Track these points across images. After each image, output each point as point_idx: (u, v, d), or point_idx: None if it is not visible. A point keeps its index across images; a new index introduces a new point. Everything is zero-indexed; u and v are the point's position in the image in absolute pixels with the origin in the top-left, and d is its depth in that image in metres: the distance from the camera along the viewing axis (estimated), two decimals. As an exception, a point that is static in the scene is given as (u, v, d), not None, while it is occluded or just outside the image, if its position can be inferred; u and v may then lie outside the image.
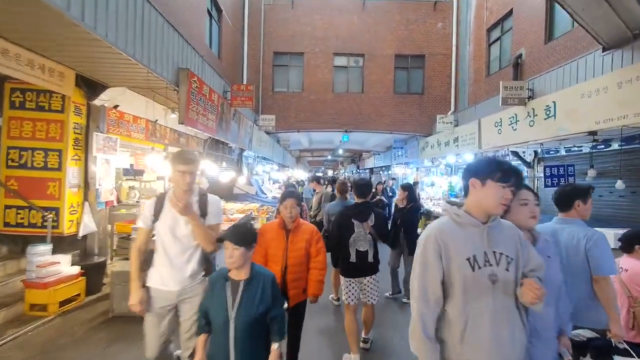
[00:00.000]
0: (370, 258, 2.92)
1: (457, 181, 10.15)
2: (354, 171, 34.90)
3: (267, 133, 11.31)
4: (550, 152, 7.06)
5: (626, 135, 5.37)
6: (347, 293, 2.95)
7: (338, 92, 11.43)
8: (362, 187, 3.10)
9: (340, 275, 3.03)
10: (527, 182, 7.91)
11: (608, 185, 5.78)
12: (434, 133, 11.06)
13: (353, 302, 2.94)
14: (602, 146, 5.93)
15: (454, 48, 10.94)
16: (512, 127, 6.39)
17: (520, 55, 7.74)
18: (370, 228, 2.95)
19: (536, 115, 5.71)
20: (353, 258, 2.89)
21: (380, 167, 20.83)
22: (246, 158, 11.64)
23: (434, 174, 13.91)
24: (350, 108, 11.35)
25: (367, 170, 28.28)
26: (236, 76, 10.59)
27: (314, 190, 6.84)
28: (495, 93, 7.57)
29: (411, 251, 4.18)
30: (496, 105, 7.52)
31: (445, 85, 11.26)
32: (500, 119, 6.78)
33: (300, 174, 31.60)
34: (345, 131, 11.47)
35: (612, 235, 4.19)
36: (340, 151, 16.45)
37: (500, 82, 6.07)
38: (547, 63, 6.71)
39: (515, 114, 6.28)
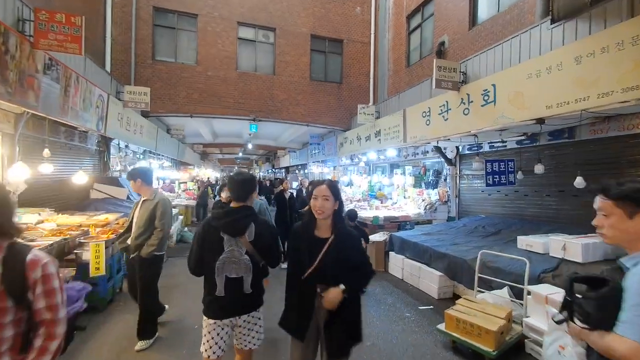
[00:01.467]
0: (247, 288, 2.00)
1: (378, 180, 9.30)
2: (269, 170, 32.88)
3: (146, 116, 8.35)
4: (473, 148, 6.54)
5: (554, 129, 4.95)
6: (208, 341, 1.99)
7: (244, 71, 9.30)
8: (239, 184, 2.07)
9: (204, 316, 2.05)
10: (447, 180, 7.35)
11: (532, 184, 5.42)
12: (353, 127, 10.02)
13: (217, 356, 1.99)
14: (528, 141, 5.52)
15: (372, 36, 10.10)
16: (443, 116, 5.50)
17: (443, 43, 7.13)
18: (249, 245, 2.00)
19: (472, 101, 4.86)
20: (220, 290, 1.96)
21: (297, 165, 19.39)
22: (124, 151, 8.41)
23: (352, 173, 13.08)
24: (259, 92, 9.36)
25: (283, 170, 26.68)
26: (91, 32, 7.36)
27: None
28: (416, 83, 6.76)
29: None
30: (418, 95, 6.70)
31: (364, 76, 10.35)
32: (429, 107, 5.87)
33: (210, 174, 27.87)
34: (254, 120, 9.41)
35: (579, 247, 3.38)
36: (250, 146, 14.24)
37: (434, 61, 5.07)
38: (472, 50, 6.10)
39: (447, 102, 5.40)
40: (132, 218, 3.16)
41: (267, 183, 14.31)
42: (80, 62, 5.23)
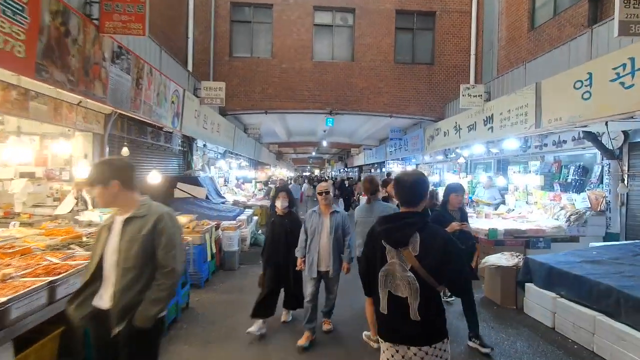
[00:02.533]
0: (413, 314, 1.50)
1: (484, 180, 7.33)
2: (342, 170, 32.15)
3: (223, 114, 8.20)
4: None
5: None
6: None
7: (320, 60, 8.44)
8: (408, 186, 1.61)
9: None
10: (604, 180, 5.14)
11: None
12: (448, 115, 8.25)
13: None
14: None
15: (474, 1, 8.12)
16: (623, 83, 3.56)
17: (598, -16, 4.96)
18: (415, 261, 1.48)
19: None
20: (383, 306, 1.58)
21: (372, 164, 18.01)
22: (202, 150, 8.50)
23: (442, 171, 11.14)
24: (336, 82, 8.39)
25: (356, 169, 25.56)
26: (175, 34, 7.44)
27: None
28: (544, 50, 4.81)
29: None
30: (560, 62, 4.74)
31: (462, 52, 8.45)
32: (590, 73, 3.96)
33: (285, 173, 28.61)
34: (330, 113, 8.50)
35: None
36: (325, 143, 13.50)
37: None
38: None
39: (633, 59, 3.45)
40: (100, 256, 1.63)
41: (347, 184, 13.46)
42: (155, 55, 4.99)
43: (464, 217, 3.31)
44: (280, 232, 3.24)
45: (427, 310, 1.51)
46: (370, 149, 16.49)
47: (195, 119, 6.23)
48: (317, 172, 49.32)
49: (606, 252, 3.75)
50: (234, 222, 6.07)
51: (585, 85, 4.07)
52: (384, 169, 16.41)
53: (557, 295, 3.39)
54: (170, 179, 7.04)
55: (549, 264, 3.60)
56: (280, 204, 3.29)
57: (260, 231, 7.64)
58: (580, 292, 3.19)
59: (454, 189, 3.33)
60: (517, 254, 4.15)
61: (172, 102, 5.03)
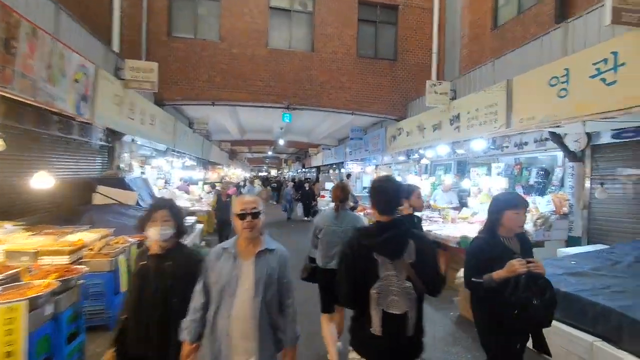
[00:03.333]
0: (409, 329, 1.45)
1: (445, 183, 7.09)
2: (299, 170, 31.38)
3: (160, 104, 6.91)
4: (626, 135, 4.25)
5: None
6: None
7: (276, 48, 7.56)
8: (389, 193, 1.57)
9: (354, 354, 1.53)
10: (565, 182, 5.06)
11: None
12: (411, 115, 7.95)
13: None
14: None
15: (436, -3, 7.92)
16: (604, 79, 3.31)
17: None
18: (410, 270, 1.46)
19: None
20: (377, 327, 1.44)
21: (330, 165, 17.52)
22: (132, 147, 7.02)
23: (403, 172, 10.94)
24: (293, 73, 7.59)
25: (314, 169, 24.98)
26: (96, 3, 5.99)
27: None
28: (507, 49, 4.61)
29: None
30: (533, 58, 4.52)
31: (424, 50, 8.21)
32: (567, 69, 3.70)
33: (239, 174, 26.89)
34: (287, 107, 7.66)
35: None
36: (282, 142, 12.58)
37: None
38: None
39: (616, 53, 3.20)
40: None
41: (307, 186, 12.49)
42: (49, 14, 3.70)
43: (526, 248, 2.04)
44: (152, 291, 1.66)
45: (419, 322, 1.48)
46: (329, 149, 15.97)
47: (117, 107, 4.96)
48: (273, 172, 47.95)
49: (585, 262, 3.48)
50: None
51: (562, 82, 3.80)
52: (342, 170, 16.00)
53: (546, 316, 3.00)
54: (86, 182, 5.63)
55: (533, 278, 3.21)
56: (154, 234, 1.69)
57: (204, 243, 6.51)
58: (573, 312, 2.81)
59: (512, 203, 1.93)
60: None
61: (76, 80, 3.78)
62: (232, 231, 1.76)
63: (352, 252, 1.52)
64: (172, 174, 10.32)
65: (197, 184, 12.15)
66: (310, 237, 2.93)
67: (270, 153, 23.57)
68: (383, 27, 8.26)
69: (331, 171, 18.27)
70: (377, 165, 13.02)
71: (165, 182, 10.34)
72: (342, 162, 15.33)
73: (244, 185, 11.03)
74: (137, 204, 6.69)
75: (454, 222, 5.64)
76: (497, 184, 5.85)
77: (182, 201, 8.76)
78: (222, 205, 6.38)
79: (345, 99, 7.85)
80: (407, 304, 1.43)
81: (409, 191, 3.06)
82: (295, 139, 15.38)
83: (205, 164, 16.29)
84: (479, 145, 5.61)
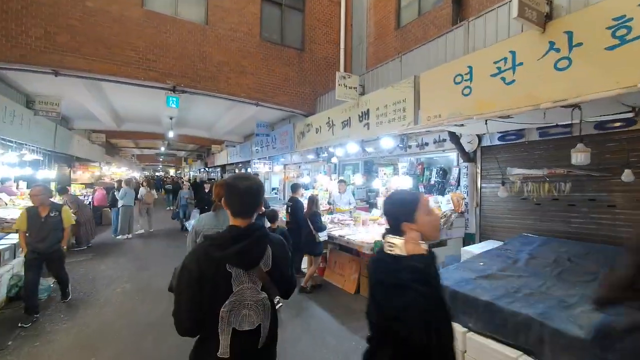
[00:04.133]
0: (262, 338, 1.38)
1: (360, 181, 6.85)
2: (202, 169, 28.19)
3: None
4: (510, 138, 4.57)
5: None
6: None
7: (156, 11, 5.94)
8: (244, 194, 1.41)
9: None
10: (461, 182, 5.30)
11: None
12: (320, 110, 7.47)
13: None
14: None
15: (344, -8, 7.66)
16: (504, 78, 3.30)
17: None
18: (266, 277, 1.39)
19: (579, 44, 2.73)
20: (224, 350, 1.30)
21: (236, 163, 15.96)
22: None
23: (312, 172, 10.51)
24: (181, 47, 6.11)
25: (219, 169, 22.68)
26: None
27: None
28: (428, 39, 4.57)
29: None
30: (437, 55, 4.49)
31: (331, 44, 7.85)
32: (470, 67, 3.64)
33: (126, 173, 22.14)
34: (173, 89, 6.12)
35: None
36: (171, 135, 10.49)
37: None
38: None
39: (514, 52, 3.20)
40: None
41: (207, 187, 10.28)
42: None
43: None
44: None
45: (272, 329, 1.41)
46: (234, 146, 14.47)
47: None
48: (172, 172, 42.33)
49: (490, 262, 3.43)
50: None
51: (466, 80, 3.73)
52: (249, 169, 14.72)
53: (466, 329, 2.70)
54: None
55: (449, 286, 2.92)
56: None
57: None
58: (493, 323, 2.55)
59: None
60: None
61: None
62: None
63: (198, 268, 1.28)
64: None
65: (45, 186, 8.99)
66: (187, 244, 2.50)
67: (163, 149, 20.25)
68: (289, 12, 7.54)
69: (237, 170, 16.72)
70: (285, 165, 12.35)
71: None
72: (249, 161, 14.08)
73: (118, 188, 8.65)
74: None
75: (365, 225, 5.31)
76: (403, 183, 5.81)
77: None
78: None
79: (248, 87, 6.79)
80: (260, 316, 1.36)
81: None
82: (193, 134, 13.32)
83: (68, 160, 12.55)
84: (387, 143, 5.42)
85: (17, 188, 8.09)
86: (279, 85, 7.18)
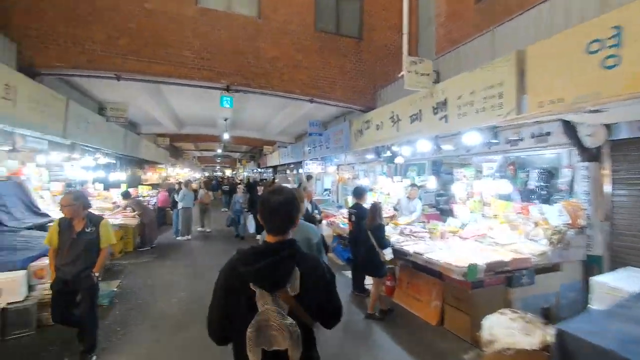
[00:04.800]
0: None
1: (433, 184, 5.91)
2: (254, 170, 29.08)
3: (32, 74, 4.72)
4: None
5: None
6: None
7: (209, 7, 5.73)
8: (276, 208, 1.34)
9: None
10: (576, 186, 4.07)
11: None
12: (380, 105, 6.66)
13: None
14: None
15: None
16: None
17: None
18: (293, 302, 1.26)
19: None
20: None
21: (287, 164, 15.82)
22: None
23: (365, 173, 9.71)
24: (234, 43, 5.83)
25: (270, 170, 23.03)
26: None
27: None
28: (502, 19, 3.49)
29: None
30: (538, 27, 3.41)
31: (393, 30, 6.97)
32: (619, 27, 2.56)
33: (188, 174, 23.83)
34: (227, 89, 5.88)
35: None
36: (226, 136, 10.57)
37: None
38: None
39: None
40: None
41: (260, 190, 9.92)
42: None
43: None
44: None
45: (308, 356, 1.31)
46: (286, 147, 14.27)
47: None
48: (228, 172, 44.75)
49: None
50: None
51: (609, 47, 2.64)
52: (301, 170, 14.43)
53: None
54: None
55: (607, 347, 1.95)
56: None
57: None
58: None
59: None
60: (535, 318, 2.45)
61: None
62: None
63: (225, 280, 1.30)
64: (70, 172, 7.84)
65: (119, 186, 9.66)
66: None
67: (219, 151, 21.13)
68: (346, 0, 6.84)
69: (289, 171, 16.61)
70: (339, 165, 11.71)
71: (69, 187, 7.84)
72: (301, 162, 13.78)
73: (178, 190, 8.85)
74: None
75: (443, 238, 4.39)
76: (496, 188, 4.73)
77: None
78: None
79: (302, 82, 6.28)
80: (288, 343, 1.23)
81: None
82: (246, 135, 13.43)
83: (138, 162, 13.59)
84: (473, 139, 4.41)
85: (94, 190, 8.71)
86: (335, 78, 6.54)
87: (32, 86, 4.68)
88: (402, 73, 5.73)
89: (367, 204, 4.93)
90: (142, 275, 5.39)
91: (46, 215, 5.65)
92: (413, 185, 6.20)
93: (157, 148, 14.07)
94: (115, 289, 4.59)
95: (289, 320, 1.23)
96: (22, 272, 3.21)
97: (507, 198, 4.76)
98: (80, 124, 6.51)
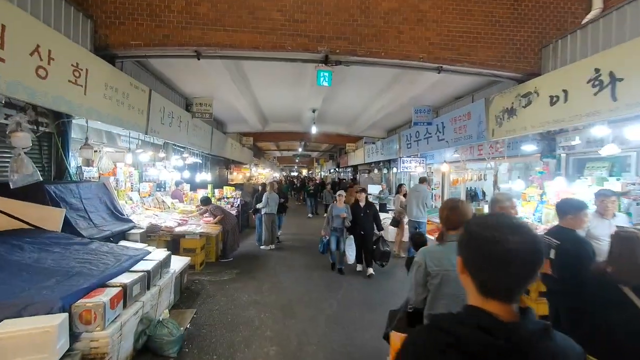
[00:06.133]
0: None
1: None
2: (332, 170, 27.97)
3: (109, 57, 3.99)
4: None
5: None
6: None
7: (305, -46, 4.28)
8: (516, 259, 0.71)
9: None
10: None
11: None
12: (552, 68, 4.31)
13: None
14: None
15: None
16: None
17: None
18: None
19: None
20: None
21: (375, 163, 13.89)
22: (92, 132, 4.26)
23: (509, 176, 7.21)
24: (335, 2, 4.26)
25: (349, 169, 21.47)
26: None
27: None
28: None
29: None
30: None
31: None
32: None
33: (268, 174, 24.15)
34: (326, 60, 4.37)
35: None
36: (314, 130, 9.24)
37: None
38: None
39: None
40: None
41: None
42: None
43: None
44: None
45: None
46: (374, 143, 12.41)
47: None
48: (304, 172, 45.14)
49: None
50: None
51: None
52: (393, 170, 12.37)
53: None
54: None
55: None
56: None
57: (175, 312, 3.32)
58: None
59: None
60: None
61: None
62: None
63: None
64: (162, 174, 7.48)
65: (207, 187, 9.31)
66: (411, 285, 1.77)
67: (300, 150, 20.49)
68: None
69: (376, 171, 14.66)
70: (444, 161, 9.28)
71: (158, 187, 7.57)
72: (392, 160, 11.75)
73: (261, 194, 7.81)
74: (74, 225, 3.87)
75: None
76: None
77: (158, 217, 5.79)
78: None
79: (429, 42, 4.36)
80: None
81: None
82: (330, 131, 12.08)
83: (224, 162, 13.56)
84: None
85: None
86: (480, 33, 4.42)
87: (109, 71, 3.93)
88: (595, 10, 3.36)
89: (582, 231, 2.77)
90: (221, 303, 4.25)
91: (129, 220, 5.06)
92: (604, 192, 3.54)
93: (241, 148, 13.83)
94: (188, 327, 3.48)
95: None
96: (61, 318, 2.18)
97: None
98: (164, 119, 5.91)
